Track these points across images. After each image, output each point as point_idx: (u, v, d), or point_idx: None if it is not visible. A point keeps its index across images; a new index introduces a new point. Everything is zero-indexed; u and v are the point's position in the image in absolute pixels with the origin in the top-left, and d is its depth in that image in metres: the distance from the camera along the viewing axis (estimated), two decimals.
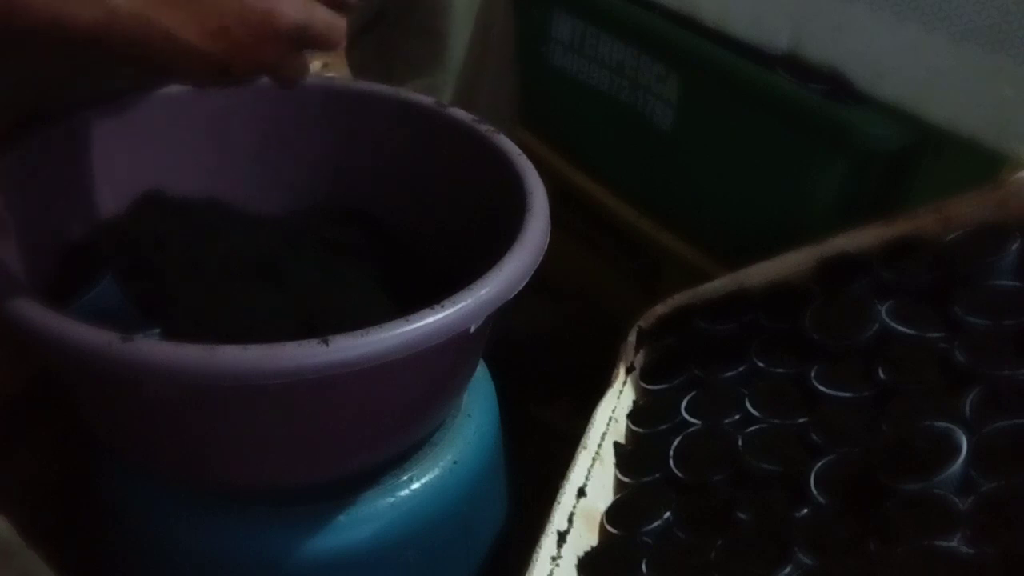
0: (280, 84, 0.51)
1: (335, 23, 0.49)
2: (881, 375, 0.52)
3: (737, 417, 0.56)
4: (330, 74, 0.74)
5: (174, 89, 0.64)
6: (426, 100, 0.66)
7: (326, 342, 0.42)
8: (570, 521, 0.52)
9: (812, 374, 0.54)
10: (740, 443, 0.53)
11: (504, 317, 0.52)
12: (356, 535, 0.55)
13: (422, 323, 0.44)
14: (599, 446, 0.58)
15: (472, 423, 0.63)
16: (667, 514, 0.52)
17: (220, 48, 0.46)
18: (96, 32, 0.43)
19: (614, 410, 0.61)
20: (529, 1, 0.89)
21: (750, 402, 0.55)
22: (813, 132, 0.66)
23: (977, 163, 0.58)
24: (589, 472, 0.56)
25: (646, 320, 0.67)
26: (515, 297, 0.49)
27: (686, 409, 0.58)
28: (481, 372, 0.67)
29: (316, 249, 0.65)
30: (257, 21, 0.46)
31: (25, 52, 0.54)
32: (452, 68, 0.77)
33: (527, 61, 0.87)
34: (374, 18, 0.76)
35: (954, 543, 0.41)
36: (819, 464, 0.49)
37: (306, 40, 0.49)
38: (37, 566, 0.42)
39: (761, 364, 0.58)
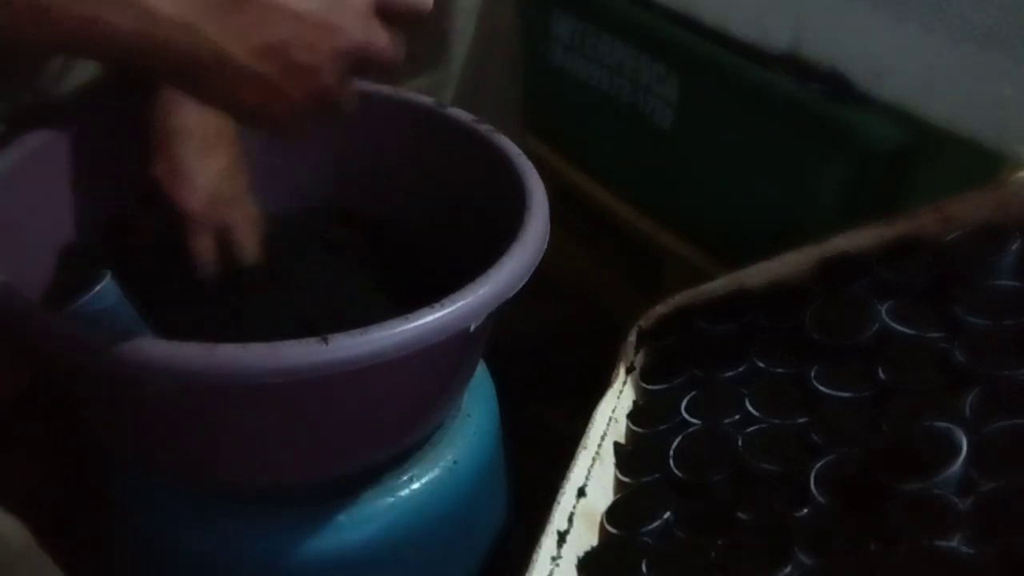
0: (328, 116, 0.45)
1: (394, 45, 0.44)
2: (881, 375, 0.52)
3: (737, 417, 0.55)
4: None
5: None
6: (426, 100, 0.66)
7: (325, 341, 0.42)
8: (570, 521, 0.52)
9: (812, 374, 0.54)
10: (740, 443, 0.53)
11: (504, 317, 0.52)
12: (356, 535, 0.55)
13: (422, 322, 0.44)
14: (599, 446, 0.58)
15: (472, 423, 0.63)
16: (667, 514, 0.52)
17: (272, 69, 0.40)
18: (134, 42, 0.38)
19: (614, 410, 0.61)
20: (529, 1, 0.89)
21: (750, 402, 0.55)
22: (813, 132, 0.66)
23: (977, 163, 0.58)
24: (589, 472, 0.56)
25: (646, 320, 0.67)
26: (515, 297, 0.49)
27: (686, 409, 0.58)
28: (481, 372, 0.67)
29: (316, 249, 0.65)
30: (317, 38, 0.41)
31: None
32: (454, 67, 0.77)
33: (527, 61, 0.87)
34: None
35: (954, 543, 0.41)
36: (819, 464, 0.49)
37: (366, 63, 0.44)
38: (51, 570, 0.42)
39: (761, 364, 0.58)
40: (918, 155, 0.62)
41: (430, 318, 0.45)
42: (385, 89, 0.67)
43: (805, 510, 0.47)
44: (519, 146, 0.61)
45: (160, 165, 0.58)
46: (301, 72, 0.41)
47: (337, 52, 0.42)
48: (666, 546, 0.51)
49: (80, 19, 0.37)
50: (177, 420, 0.49)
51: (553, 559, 0.50)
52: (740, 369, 0.59)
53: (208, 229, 0.58)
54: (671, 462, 0.55)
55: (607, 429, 0.59)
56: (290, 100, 0.42)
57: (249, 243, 0.60)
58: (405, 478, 0.57)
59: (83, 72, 0.62)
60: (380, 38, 0.44)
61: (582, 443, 0.57)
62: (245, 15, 0.39)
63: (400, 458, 0.58)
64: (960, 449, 0.45)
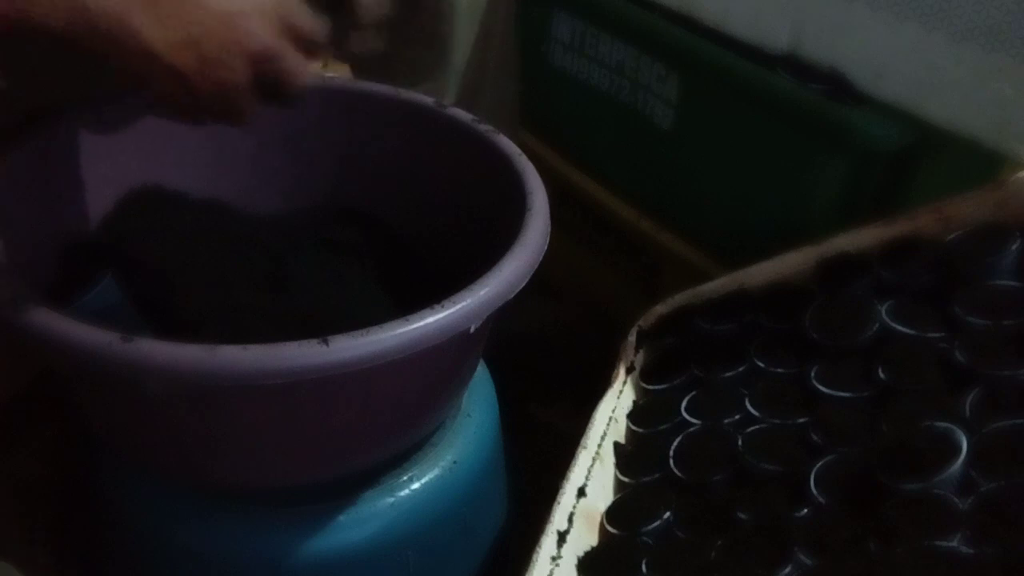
0: (230, 120, 0.49)
1: (302, 65, 0.48)
2: (881, 375, 0.52)
3: (737, 417, 0.56)
4: (330, 74, 0.74)
5: None
6: (426, 100, 0.66)
7: (326, 342, 0.42)
8: (570, 521, 0.52)
9: (812, 374, 0.54)
10: (740, 443, 0.53)
11: (504, 317, 0.52)
12: (356, 535, 0.55)
13: (422, 323, 0.44)
14: (599, 446, 0.58)
15: (472, 423, 0.63)
16: (667, 514, 0.52)
17: (185, 60, 0.44)
18: (66, 31, 0.42)
19: (614, 410, 0.61)
20: (529, 1, 0.89)
21: (750, 402, 0.55)
22: (813, 132, 0.66)
23: (977, 163, 0.58)
24: (589, 472, 0.56)
25: (646, 320, 0.67)
26: (515, 297, 0.49)
27: (686, 409, 0.58)
28: (481, 372, 0.67)
29: (316, 249, 0.65)
30: (228, 37, 0.45)
31: (24, 51, 0.54)
32: (454, 72, 0.77)
33: (527, 61, 0.87)
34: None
35: (954, 543, 0.42)
36: (819, 464, 0.49)
37: (271, 71, 0.47)
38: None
39: (761, 364, 0.58)
40: (918, 155, 0.62)
41: (431, 319, 0.45)
42: (385, 89, 0.67)
43: (805, 510, 0.47)
44: (519, 144, 0.61)
45: None
46: (211, 67, 0.45)
47: (246, 52, 0.45)
48: (666, 546, 0.51)
49: (12, 10, 0.41)
50: (177, 420, 0.49)
51: (553, 559, 0.50)
52: (740, 369, 0.59)
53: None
54: (671, 462, 0.55)
55: (607, 429, 0.59)
56: (196, 92, 0.45)
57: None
58: (405, 478, 0.57)
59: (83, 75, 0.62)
60: (289, 53, 0.47)
61: (582, 443, 0.57)
62: (168, 8, 0.43)
63: (400, 458, 0.58)
64: (960, 449, 0.45)
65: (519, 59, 0.84)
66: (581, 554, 0.52)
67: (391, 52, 0.77)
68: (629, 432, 0.60)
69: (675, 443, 0.55)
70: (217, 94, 0.46)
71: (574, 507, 0.53)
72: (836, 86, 0.65)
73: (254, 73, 0.47)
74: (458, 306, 0.46)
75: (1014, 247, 0.53)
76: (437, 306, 0.45)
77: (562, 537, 0.51)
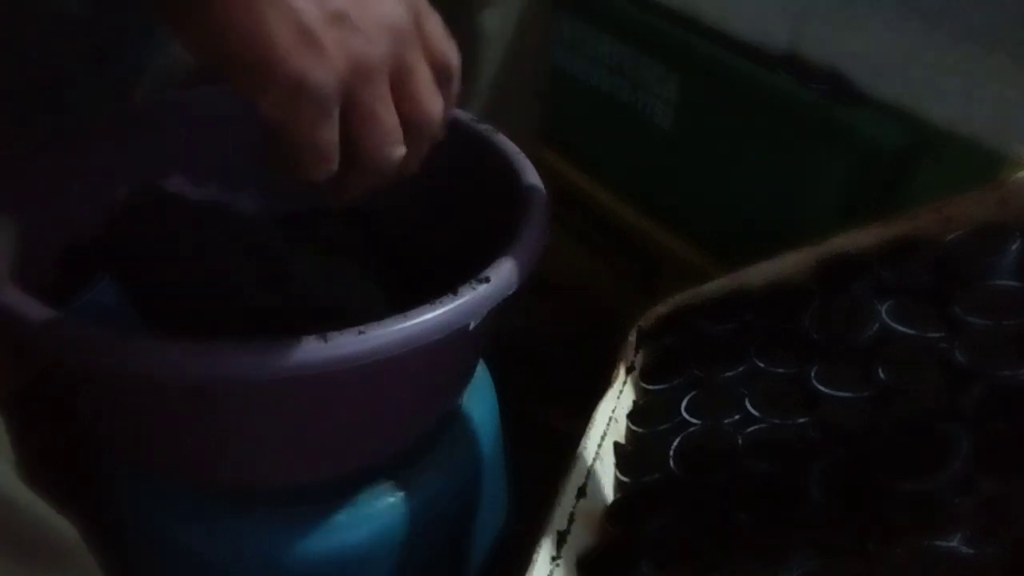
0: (318, 157, 0.37)
1: (435, 97, 0.39)
2: (881, 375, 0.52)
3: (737, 417, 0.55)
4: None
5: (174, 88, 0.64)
6: None
7: (325, 339, 0.42)
8: (570, 521, 0.52)
9: (812, 374, 0.54)
10: (740, 443, 0.53)
11: (504, 317, 0.52)
12: (356, 535, 0.55)
13: (421, 320, 0.44)
14: (599, 446, 0.58)
15: (472, 423, 0.63)
16: (667, 514, 0.52)
17: (311, 6, 0.33)
18: None
19: (614, 410, 0.61)
20: (548, 17, 0.88)
21: (750, 402, 0.55)
22: (813, 132, 0.66)
23: (977, 163, 0.58)
24: (589, 472, 0.56)
25: (646, 320, 0.67)
26: (515, 296, 0.49)
27: (686, 409, 0.58)
28: (481, 372, 0.67)
29: (316, 249, 0.65)
30: (368, 8, 0.34)
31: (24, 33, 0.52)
32: (479, 93, 0.76)
33: None
34: None
35: (954, 543, 0.41)
36: (819, 464, 0.49)
37: (398, 88, 0.37)
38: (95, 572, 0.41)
39: (761, 364, 0.58)
40: (918, 155, 0.62)
41: (429, 315, 0.45)
42: None
43: (805, 510, 0.47)
44: (534, 160, 0.60)
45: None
46: (342, 23, 0.33)
47: (391, 31, 0.35)
48: (666, 546, 0.51)
49: None
50: (175, 419, 0.49)
51: (553, 559, 0.50)
52: (740, 369, 0.59)
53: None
54: (671, 462, 0.55)
55: (607, 429, 0.59)
56: (328, 54, 0.33)
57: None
58: (405, 478, 0.57)
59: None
60: (424, 73, 0.38)
61: (582, 443, 0.57)
62: None
63: (400, 458, 0.58)
64: (960, 449, 0.45)
65: (549, 85, 0.84)
66: (581, 554, 0.52)
67: None
68: (629, 432, 0.60)
69: (675, 443, 0.55)
70: (353, 67, 0.34)
71: (574, 507, 0.53)
72: (836, 86, 0.65)
73: (397, 67, 0.36)
74: (457, 303, 0.46)
75: (1014, 247, 0.53)
76: (436, 302, 0.45)
77: (562, 537, 0.51)
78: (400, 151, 0.39)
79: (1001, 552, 0.40)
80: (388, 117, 0.37)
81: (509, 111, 0.79)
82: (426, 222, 0.67)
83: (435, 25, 0.40)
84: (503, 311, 0.50)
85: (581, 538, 0.52)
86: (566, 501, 0.53)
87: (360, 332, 0.43)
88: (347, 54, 0.34)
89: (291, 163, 0.37)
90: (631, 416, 0.61)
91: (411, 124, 0.39)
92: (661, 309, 0.67)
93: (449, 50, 0.40)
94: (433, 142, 0.42)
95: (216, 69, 0.34)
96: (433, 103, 0.40)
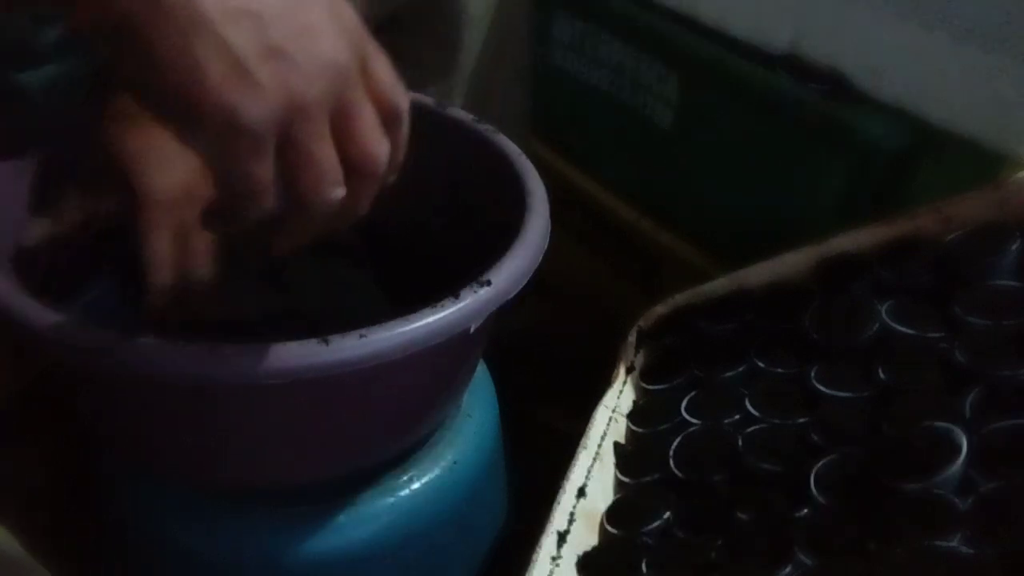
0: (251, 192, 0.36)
1: (379, 138, 0.38)
2: (881, 375, 0.52)
3: (737, 417, 0.56)
4: None
5: None
6: (426, 99, 0.66)
7: (326, 341, 0.42)
8: (570, 521, 0.52)
9: (812, 374, 0.54)
10: (740, 443, 0.53)
11: (504, 317, 0.52)
12: (356, 535, 0.55)
13: (422, 323, 0.44)
14: (599, 446, 0.58)
15: (472, 423, 0.63)
16: (667, 514, 0.52)
17: (246, 41, 0.32)
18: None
19: (614, 410, 0.61)
20: (530, 1, 0.88)
21: (750, 402, 0.55)
22: (813, 132, 0.66)
23: (977, 163, 0.58)
24: (589, 472, 0.56)
25: (646, 320, 0.67)
26: (515, 297, 0.49)
27: (686, 409, 0.58)
28: (481, 372, 0.67)
29: (315, 250, 0.65)
30: (307, 41, 0.33)
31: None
32: (464, 76, 0.76)
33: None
34: (388, 22, 0.76)
35: (954, 543, 0.41)
36: (819, 464, 0.49)
37: (338, 129, 0.36)
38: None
39: (761, 364, 0.58)
40: (918, 155, 0.62)
41: (431, 319, 0.45)
42: None
43: (805, 510, 0.47)
44: (524, 149, 0.61)
45: (135, 139, 0.48)
46: (278, 58, 0.33)
47: (331, 69, 0.34)
48: (666, 546, 0.51)
49: None
50: (176, 420, 0.49)
51: (553, 559, 0.50)
52: (740, 369, 0.59)
53: (170, 226, 0.49)
54: (671, 462, 0.55)
55: (607, 429, 0.59)
56: (261, 89, 0.32)
57: (204, 255, 0.51)
58: (405, 478, 0.57)
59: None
60: (368, 112, 0.37)
61: (582, 443, 0.57)
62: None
63: (400, 458, 0.58)
64: (960, 449, 0.45)
65: (533, 70, 0.84)
66: (581, 554, 0.52)
67: (401, 52, 0.77)
68: (629, 432, 0.60)
69: (675, 443, 0.55)
70: (287, 100, 0.33)
71: (574, 507, 0.53)
72: (836, 86, 0.65)
73: (330, 103, 0.35)
74: (458, 306, 0.46)
75: (1014, 247, 0.53)
76: (437, 306, 0.45)
77: (562, 537, 0.51)
78: (338, 192, 0.37)
79: (1001, 552, 0.40)
80: (325, 157, 0.36)
81: (494, 97, 0.79)
82: (426, 222, 0.67)
83: (382, 66, 0.38)
84: (503, 312, 0.50)
85: (581, 538, 0.52)
86: (566, 501, 0.53)
87: (361, 335, 0.43)
88: (283, 90, 0.33)
89: (227, 204, 0.37)
90: (631, 416, 0.61)
91: (354, 165, 0.37)
92: (661, 309, 0.67)
93: (397, 93, 0.38)
94: (381, 184, 0.40)
95: (154, 108, 0.34)
96: (377, 144, 0.38)
